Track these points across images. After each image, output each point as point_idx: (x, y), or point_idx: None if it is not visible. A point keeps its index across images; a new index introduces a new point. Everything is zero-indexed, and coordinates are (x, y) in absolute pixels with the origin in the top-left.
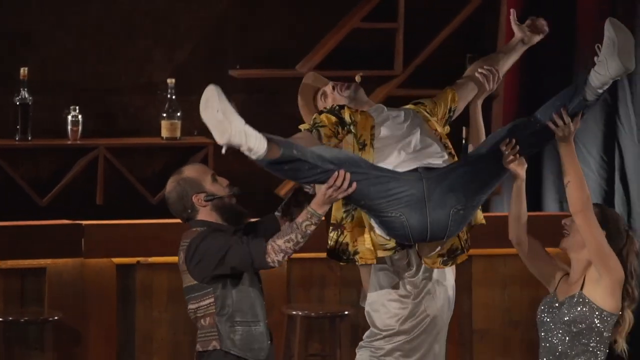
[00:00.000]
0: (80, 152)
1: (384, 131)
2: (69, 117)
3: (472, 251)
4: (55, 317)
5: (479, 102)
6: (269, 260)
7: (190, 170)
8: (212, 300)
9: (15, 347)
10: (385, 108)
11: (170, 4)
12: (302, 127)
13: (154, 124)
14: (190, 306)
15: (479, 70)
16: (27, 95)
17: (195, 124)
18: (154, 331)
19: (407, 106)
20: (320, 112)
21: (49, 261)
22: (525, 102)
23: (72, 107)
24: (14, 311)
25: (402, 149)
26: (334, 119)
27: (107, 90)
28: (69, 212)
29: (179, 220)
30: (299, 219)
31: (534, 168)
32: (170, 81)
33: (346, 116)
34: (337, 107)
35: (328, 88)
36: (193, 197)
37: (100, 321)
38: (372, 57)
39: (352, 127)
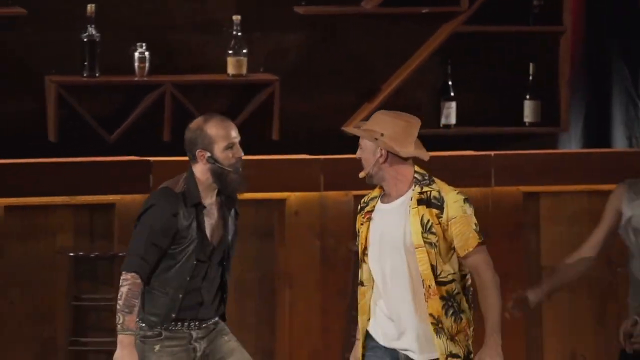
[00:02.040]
0: (147, 89)
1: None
2: (136, 54)
3: (539, 188)
4: (124, 253)
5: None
6: (121, 279)
7: (213, 127)
8: None
9: (85, 282)
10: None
11: None
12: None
13: (220, 61)
14: None
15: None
16: (94, 32)
17: (260, 61)
18: None
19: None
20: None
21: (117, 197)
22: (592, 37)
23: (138, 44)
24: (83, 246)
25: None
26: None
27: (172, 27)
28: (137, 149)
29: (246, 157)
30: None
31: (602, 105)
32: (236, 18)
33: (357, 223)
34: (359, 210)
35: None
36: (198, 151)
37: None
38: None
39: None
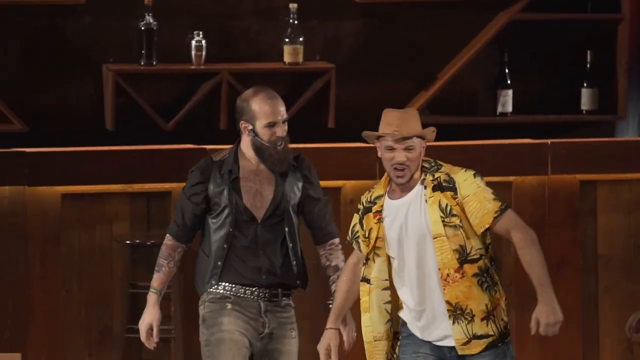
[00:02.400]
0: (203, 77)
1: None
2: (193, 42)
3: (596, 176)
4: None
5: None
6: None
7: (259, 102)
8: None
9: (141, 270)
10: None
11: None
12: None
13: (276, 49)
14: None
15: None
16: (151, 21)
17: (317, 49)
18: None
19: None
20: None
21: (173, 185)
22: None
23: (195, 32)
24: (140, 234)
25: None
26: (362, 230)
27: (229, 15)
28: (193, 137)
29: (301, 145)
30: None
31: None
32: (293, 6)
33: (365, 223)
34: (362, 210)
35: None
36: (241, 122)
37: None
38: None
39: (367, 237)
